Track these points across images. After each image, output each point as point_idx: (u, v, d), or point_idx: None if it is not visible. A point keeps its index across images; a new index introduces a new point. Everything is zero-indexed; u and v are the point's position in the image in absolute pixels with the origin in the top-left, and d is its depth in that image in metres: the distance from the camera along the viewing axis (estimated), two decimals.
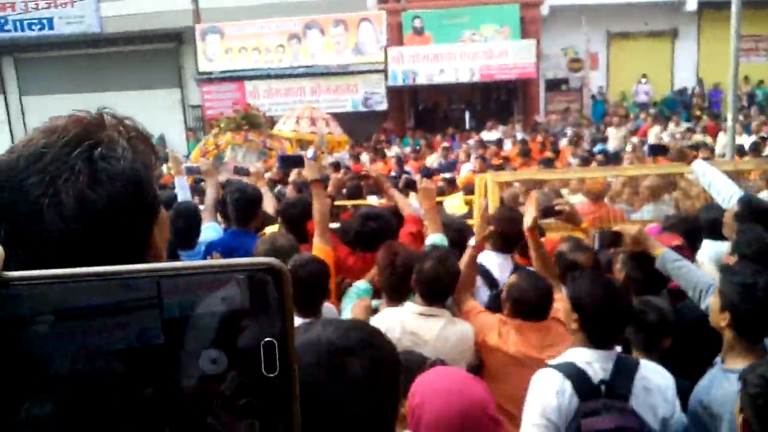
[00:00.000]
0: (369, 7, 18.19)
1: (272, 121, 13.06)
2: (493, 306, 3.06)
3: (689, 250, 3.03)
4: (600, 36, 17.93)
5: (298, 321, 2.41)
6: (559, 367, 2.15)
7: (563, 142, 12.97)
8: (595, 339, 2.18)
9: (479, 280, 3.35)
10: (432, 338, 2.57)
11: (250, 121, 11.35)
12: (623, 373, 2.12)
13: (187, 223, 3.64)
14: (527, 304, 2.64)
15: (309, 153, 8.25)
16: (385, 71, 17.38)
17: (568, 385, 2.09)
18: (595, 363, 2.14)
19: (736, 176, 4.11)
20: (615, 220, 4.52)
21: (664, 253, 2.65)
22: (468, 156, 11.63)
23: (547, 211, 3.60)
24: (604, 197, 5.22)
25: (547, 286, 2.71)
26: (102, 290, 0.46)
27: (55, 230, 0.66)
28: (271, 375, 0.48)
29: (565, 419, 2.07)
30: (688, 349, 2.66)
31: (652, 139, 12.97)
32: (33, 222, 0.67)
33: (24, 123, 20.54)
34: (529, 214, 3.08)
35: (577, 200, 5.25)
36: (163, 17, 18.27)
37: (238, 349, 0.48)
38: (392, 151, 14.21)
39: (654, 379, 2.15)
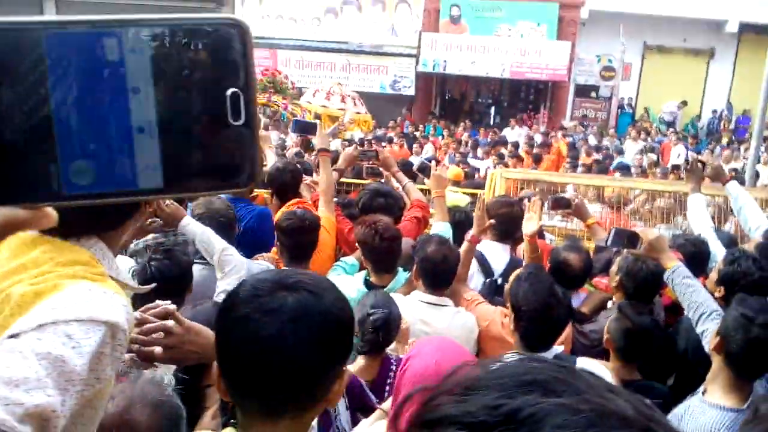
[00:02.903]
0: None
1: (300, 92, 13.26)
2: (487, 294, 3.14)
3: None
4: (636, 46, 17.82)
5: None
6: None
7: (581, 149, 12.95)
8: (528, 341, 2.21)
9: (475, 267, 3.39)
10: (443, 327, 2.59)
11: (276, 87, 11.62)
12: None
13: None
14: None
15: (330, 128, 8.42)
16: (417, 56, 17.44)
17: None
18: None
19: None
20: None
21: (678, 267, 2.55)
22: (444, 152, 11.88)
23: (557, 202, 3.58)
24: (623, 207, 5.12)
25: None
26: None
27: None
28: (237, 123, 0.51)
29: None
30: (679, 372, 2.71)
31: (673, 158, 12.94)
32: None
33: None
34: (532, 221, 3.08)
35: (594, 210, 5.17)
36: None
37: (207, 98, 0.51)
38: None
39: None
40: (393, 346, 2.44)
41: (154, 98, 0.50)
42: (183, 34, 0.51)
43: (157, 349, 1.09)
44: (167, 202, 2.47)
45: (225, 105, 0.51)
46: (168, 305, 1.15)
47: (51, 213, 0.55)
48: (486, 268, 3.44)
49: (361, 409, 2.13)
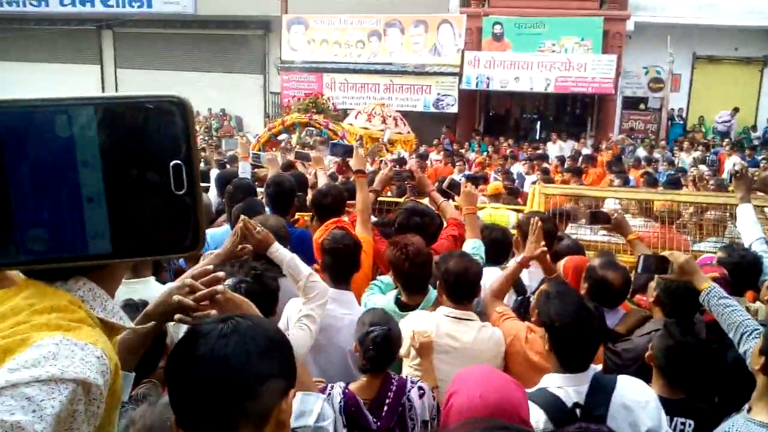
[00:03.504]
0: (451, 10, 18.39)
1: (345, 113, 13.53)
2: (519, 311, 3.12)
3: (730, 286, 2.83)
4: (685, 57, 17.42)
5: (330, 291, 2.58)
6: (532, 396, 2.05)
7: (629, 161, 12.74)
8: (566, 362, 2.14)
9: None
10: (469, 341, 2.59)
11: (318, 107, 11.95)
12: (599, 394, 2.06)
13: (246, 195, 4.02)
14: None
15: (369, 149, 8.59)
16: (459, 74, 17.52)
17: (541, 414, 2.01)
18: (567, 387, 2.08)
19: None
20: (680, 248, 4.11)
21: (711, 288, 2.45)
22: (483, 168, 11.84)
23: (595, 217, 3.48)
24: (672, 221, 4.90)
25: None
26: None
27: None
28: (179, 192, 0.54)
29: None
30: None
31: (729, 168, 12.57)
32: None
33: None
34: (530, 243, 3.05)
35: (637, 224, 4.91)
36: (254, 5, 19.09)
37: (152, 169, 0.55)
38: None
39: (633, 395, 2.08)
40: (418, 361, 2.47)
41: (101, 171, 0.54)
42: (127, 111, 0.55)
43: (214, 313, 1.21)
44: (258, 228, 2.54)
45: (168, 176, 0.55)
46: (219, 273, 1.26)
47: (10, 275, 0.59)
48: (518, 286, 3.41)
49: (357, 427, 2.14)
